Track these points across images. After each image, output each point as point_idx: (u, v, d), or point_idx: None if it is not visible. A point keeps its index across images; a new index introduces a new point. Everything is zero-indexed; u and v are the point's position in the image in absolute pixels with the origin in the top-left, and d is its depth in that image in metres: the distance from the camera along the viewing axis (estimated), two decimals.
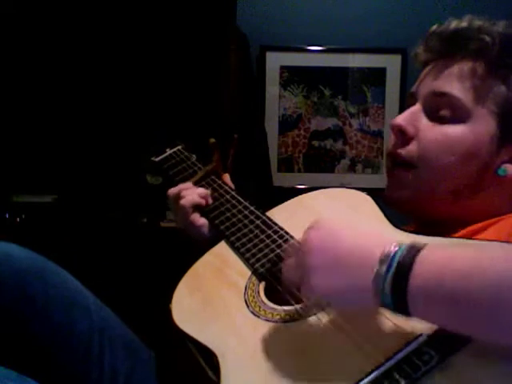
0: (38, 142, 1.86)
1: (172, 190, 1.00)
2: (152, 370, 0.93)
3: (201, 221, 0.96)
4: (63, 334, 0.85)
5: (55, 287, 0.86)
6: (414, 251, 0.56)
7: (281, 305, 0.73)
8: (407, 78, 2.14)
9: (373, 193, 0.88)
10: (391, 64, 2.17)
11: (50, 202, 1.85)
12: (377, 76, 2.19)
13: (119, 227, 1.81)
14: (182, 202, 0.97)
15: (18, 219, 1.79)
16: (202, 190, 0.99)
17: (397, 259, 0.56)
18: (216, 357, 0.67)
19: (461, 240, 0.74)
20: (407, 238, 0.57)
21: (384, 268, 0.56)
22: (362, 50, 2.18)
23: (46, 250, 0.91)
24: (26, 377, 0.77)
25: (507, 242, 0.68)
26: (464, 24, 0.82)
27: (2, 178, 1.83)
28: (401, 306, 0.56)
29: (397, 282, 0.55)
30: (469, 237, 0.76)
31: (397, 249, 0.57)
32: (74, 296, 0.88)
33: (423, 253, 0.55)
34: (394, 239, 0.58)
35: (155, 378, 0.92)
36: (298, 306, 0.71)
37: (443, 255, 0.55)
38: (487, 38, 0.79)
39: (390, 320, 0.62)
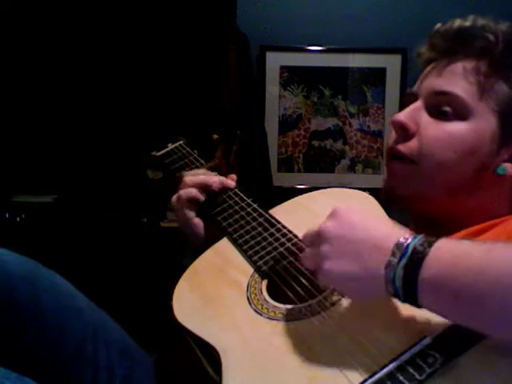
0: (37, 141, 1.86)
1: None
2: (150, 373, 0.92)
3: (195, 220, 0.94)
4: (54, 338, 0.84)
5: (46, 291, 0.85)
6: (428, 241, 0.56)
7: (283, 303, 0.72)
8: (407, 77, 2.13)
9: (373, 193, 0.88)
10: (391, 64, 2.17)
11: (50, 202, 1.85)
12: (377, 76, 2.19)
13: (119, 227, 1.81)
14: (180, 202, 0.95)
15: (18, 219, 1.79)
16: (203, 178, 0.96)
17: (411, 247, 0.56)
18: (217, 353, 0.66)
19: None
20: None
21: (397, 256, 0.56)
22: (362, 49, 2.17)
23: (45, 250, 0.91)
24: (24, 377, 0.76)
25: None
26: (468, 23, 0.82)
27: (2, 178, 1.83)
28: (410, 296, 0.56)
29: (409, 271, 0.55)
30: (469, 238, 0.76)
31: (411, 238, 0.57)
32: (66, 300, 0.87)
33: (438, 244, 0.56)
34: (407, 230, 0.59)
35: (154, 382, 0.91)
36: (301, 305, 0.70)
37: (457, 249, 0.56)
38: (491, 37, 0.79)
39: (394, 322, 0.62)
